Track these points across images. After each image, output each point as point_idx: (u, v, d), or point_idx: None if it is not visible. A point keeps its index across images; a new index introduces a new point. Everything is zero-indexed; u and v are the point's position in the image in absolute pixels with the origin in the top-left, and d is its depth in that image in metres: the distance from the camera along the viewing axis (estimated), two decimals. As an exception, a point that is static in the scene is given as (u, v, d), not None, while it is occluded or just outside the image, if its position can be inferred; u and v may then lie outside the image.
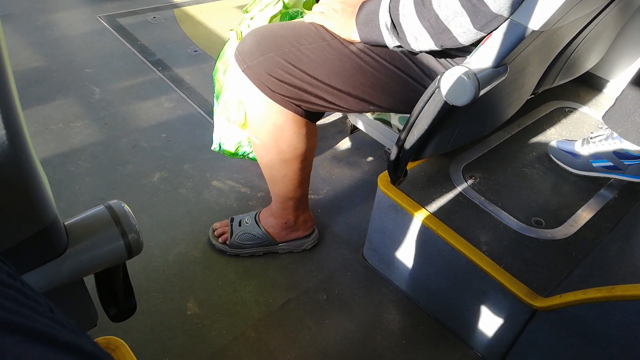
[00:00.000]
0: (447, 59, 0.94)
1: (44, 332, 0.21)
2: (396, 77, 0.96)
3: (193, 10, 2.41)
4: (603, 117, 1.11)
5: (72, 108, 1.69)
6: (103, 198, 1.38)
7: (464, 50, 0.90)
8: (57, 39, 2.06)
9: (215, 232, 1.28)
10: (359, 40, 0.93)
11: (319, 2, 1.00)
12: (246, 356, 1.05)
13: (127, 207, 0.53)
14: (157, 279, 1.18)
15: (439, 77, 0.84)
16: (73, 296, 0.61)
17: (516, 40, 0.78)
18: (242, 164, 1.53)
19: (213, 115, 1.41)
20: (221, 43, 2.01)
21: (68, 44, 2.04)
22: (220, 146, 1.42)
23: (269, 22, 1.19)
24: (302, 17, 1.22)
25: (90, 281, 0.62)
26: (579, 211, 1.07)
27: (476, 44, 0.84)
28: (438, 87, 0.85)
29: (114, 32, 2.14)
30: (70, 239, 0.48)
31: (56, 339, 0.21)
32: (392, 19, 0.85)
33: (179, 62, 1.99)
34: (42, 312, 0.23)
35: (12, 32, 2.07)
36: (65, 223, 0.49)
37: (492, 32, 0.80)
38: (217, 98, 1.38)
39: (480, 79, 0.80)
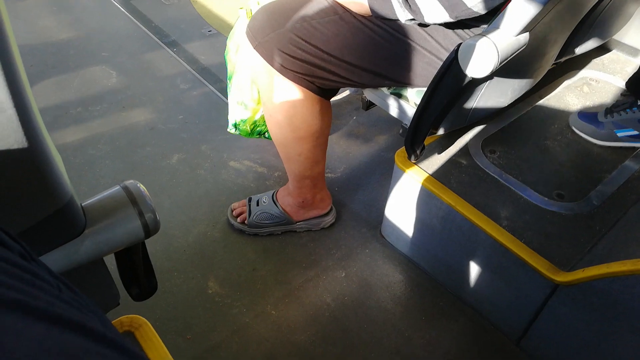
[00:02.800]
0: (464, 29, 0.91)
1: (46, 309, 0.21)
2: (411, 50, 0.94)
3: (206, -11, 2.39)
4: (626, 83, 1.07)
5: (90, 92, 1.70)
6: (123, 180, 1.40)
7: (481, 20, 0.87)
8: (72, 22, 2.07)
9: (234, 212, 1.29)
10: (371, 14, 0.91)
11: None
12: (267, 333, 1.06)
13: (142, 187, 0.53)
14: (178, 258, 1.20)
15: (456, 48, 0.82)
16: (95, 276, 0.62)
17: (537, 6, 0.75)
18: (259, 143, 1.53)
19: (227, 95, 1.41)
20: (235, 22, 2.00)
21: (83, 28, 2.04)
22: (236, 127, 1.41)
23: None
24: None
25: (112, 262, 0.63)
26: (603, 183, 1.04)
27: (494, 12, 0.82)
28: (455, 58, 0.82)
29: (128, 14, 2.14)
30: (87, 220, 0.49)
31: (59, 316, 0.21)
32: None
33: (194, 43, 1.98)
34: (48, 291, 0.23)
35: (27, 17, 2.08)
36: (83, 204, 0.50)
37: (511, -1, 0.77)
38: (230, 79, 1.37)
39: (499, 49, 0.77)
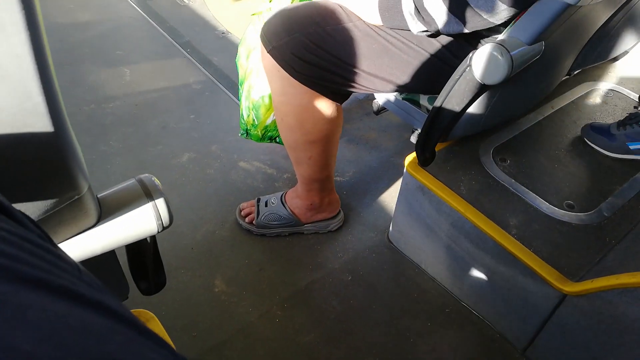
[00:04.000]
0: (477, 38, 0.91)
1: (69, 288, 0.21)
2: (423, 59, 0.94)
3: (221, -8, 2.41)
4: (639, 97, 1.07)
5: (103, 90, 1.72)
6: (133, 177, 1.42)
7: (494, 30, 0.87)
8: (89, 22, 2.10)
9: (242, 212, 1.30)
10: (382, 24, 0.91)
11: None
12: (272, 333, 1.06)
13: (157, 181, 0.54)
14: (185, 256, 1.21)
15: (470, 55, 0.82)
16: (106, 268, 0.63)
17: (553, 16, 0.76)
18: (269, 145, 1.53)
19: (239, 98, 1.42)
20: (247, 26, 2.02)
21: (99, 27, 2.07)
22: (247, 132, 1.42)
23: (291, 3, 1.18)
24: None
25: (122, 256, 0.64)
26: (614, 195, 1.04)
27: (507, 22, 0.82)
28: (469, 65, 0.83)
29: (144, 14, 2.16)
30: (103, 211, 0.50)
31: (82, 295, 0.21)
32: (415, 5, 0.82)
33: (208, 44, 2.00)
34: (70, 271, 0.23)
35: (43, 15, 2.11)
36: (98, 196, 0.51)
37: (526, 7, 0.78)
38: (242, 84, 1.38)
39: (513, 57, 0.77)
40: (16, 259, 0.21)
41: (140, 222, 0.51)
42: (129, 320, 0.22)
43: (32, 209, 0.38)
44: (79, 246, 0.48)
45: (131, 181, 0.53)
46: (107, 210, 0.50)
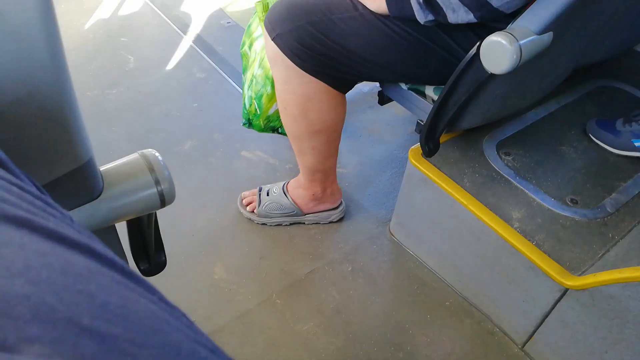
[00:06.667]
0: (483, 30, 0.90)
1: (54, 230, 0.21)
2: (429, 50, 0.93)
3: (227, -18, 2.40)
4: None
5: (107, 76, 1.72)
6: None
7: (501, 21, 0.86)
8: (93, 8, 2.09)
9: (244, 201, 1.29)
10: (388, 14, 0.90)
11: None
12: (271, 321, 1.06)
13: (160, 157, 0.53)
14: (186, 243, 1.20)
15: (478, 43, 0.82)
16: (107, 245, 0.62)
17: (563, 6, 0.75)
18: (271, 135, 1.52)
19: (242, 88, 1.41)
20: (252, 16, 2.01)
21: (104, 14, 2.06)
22: (249, 121, 1.41)
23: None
24: None
25: (123, 237, 0.64)
26: (618, 192, 1.03)
27: (515, 13, 0.81)
28: (477, 54, 0.82)
29: (149, 2, 2.16)
30: (105, 184, 0.49)
31: (67, 237, 0.21)
32: None
33: (212, 33, 1.99)
34: (59, 217, 0.23)
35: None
36: (101, 168, 0.50)
37: (537, -3, 0.77)
38: (245, 73, 1.37)
39: (522, 46, 0.76)
40: (1, 199, 0.21)
41: (142, 196, 0.51)
42: (117, 264, 0.21)
43: (33, 173, 0.38)
44: (80, 218, 0.48)
45: (134, 155, 0.52)
46: (109, 184, 0.49)
